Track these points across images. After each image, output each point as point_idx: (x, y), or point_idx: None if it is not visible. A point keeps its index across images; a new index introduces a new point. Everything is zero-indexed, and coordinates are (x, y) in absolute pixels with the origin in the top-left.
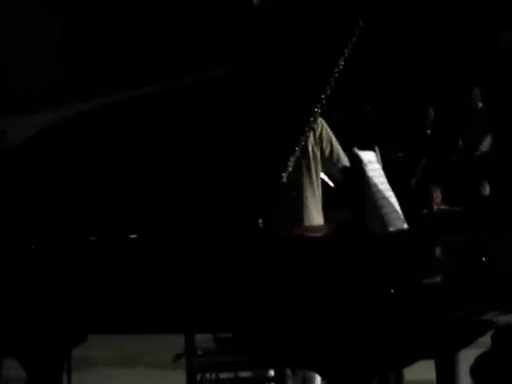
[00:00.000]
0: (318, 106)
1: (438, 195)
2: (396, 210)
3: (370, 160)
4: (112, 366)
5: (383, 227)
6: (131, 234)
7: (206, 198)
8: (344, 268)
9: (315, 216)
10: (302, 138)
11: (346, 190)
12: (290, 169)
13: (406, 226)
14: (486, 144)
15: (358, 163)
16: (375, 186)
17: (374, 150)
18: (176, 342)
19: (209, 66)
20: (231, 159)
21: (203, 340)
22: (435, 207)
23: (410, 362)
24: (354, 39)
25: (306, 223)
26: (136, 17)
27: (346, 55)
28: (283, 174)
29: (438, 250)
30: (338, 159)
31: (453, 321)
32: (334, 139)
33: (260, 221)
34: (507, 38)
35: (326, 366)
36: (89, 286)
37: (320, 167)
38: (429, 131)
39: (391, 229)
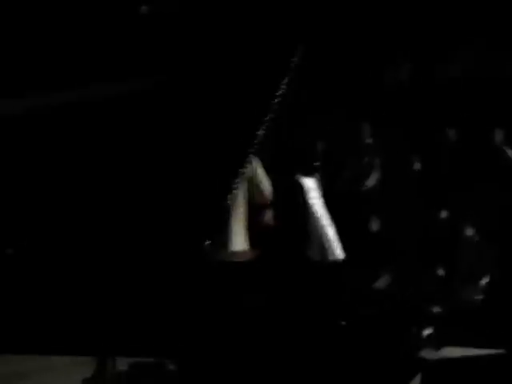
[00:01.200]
0: (264, 127)
1: None
2: (335, 240)
3: (311, 187)
4: None
5: (322, 255)
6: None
7: (152, 219)
8: (287, 294)
9: (240, 241)
10: (247, 158)
11: (287, 217)
12: (235, 191)
13: (341, 256)
14: (373, 178)
15: (299, 190)
16: (316, 213)
17: (314, 177)
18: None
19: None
20: (176, 181)
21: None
22: None
23: None
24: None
25: (231, 248)
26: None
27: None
28: (229, 196)
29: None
30: (261, 181)
31: (395, 356)
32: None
33: (207, 242)
34: (391, 75)
35: None
36: None
37: (246, 191)
38: (317, 163)
39: (330, 257)
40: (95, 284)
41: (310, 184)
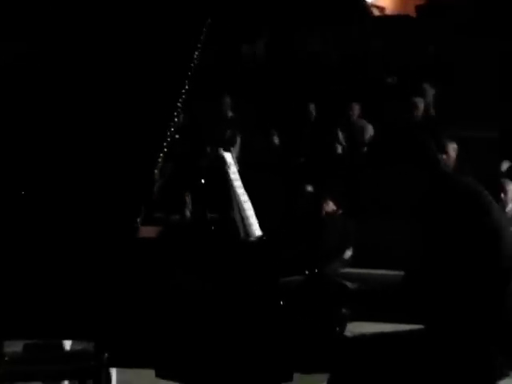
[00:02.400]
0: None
1: (190, 201)
2: (252, 216)
3: (231, 162)
4: None
5: (244, 231)
6: None
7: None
8: (222, 274)
9: None
10: (169, 132)
11: (209, 192)
12: (160, 165)
13: (258, 231)
14: (234, 153)
15: (222, 165)
16: (238, 189)
17: (229, 151)
18: None
19: None
20: (101, 160)
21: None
22: (188, 213)
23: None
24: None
25: None
26: None
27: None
28: (155, 171)
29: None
30: None
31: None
32: None
33: (138, 219)
34: (248, 50)
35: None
36: None
37: None
38: (177, 135)
39: (252, 234)
40: None
41: (230, 158)
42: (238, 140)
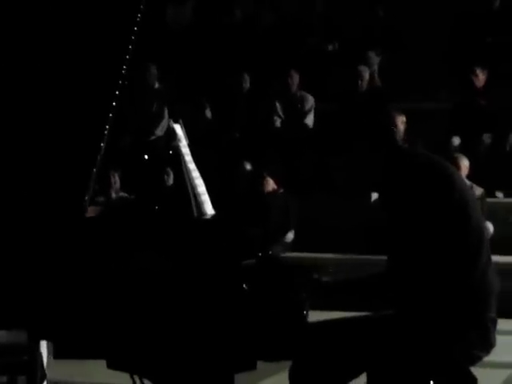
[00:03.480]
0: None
1: (116, 181)
2: (204, 193)
3: (181, 135)
4: None
5: (197, 210)
6: None
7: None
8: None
9: None
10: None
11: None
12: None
13: (211, 210)
14: (162, 127)
15: (175, 139)
16: (189, 164)
17: (178, 123)
18: None
19: None
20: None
21: None
22: (113, 194)
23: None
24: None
25: None
26: None
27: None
28: (102, 145)
29: None
30: None
31: None
32: None
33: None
34: (174, 14)
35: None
36: None
37: None
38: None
39: (206, 212)
40: None
41: (179, 131)
42: (166, 113)
